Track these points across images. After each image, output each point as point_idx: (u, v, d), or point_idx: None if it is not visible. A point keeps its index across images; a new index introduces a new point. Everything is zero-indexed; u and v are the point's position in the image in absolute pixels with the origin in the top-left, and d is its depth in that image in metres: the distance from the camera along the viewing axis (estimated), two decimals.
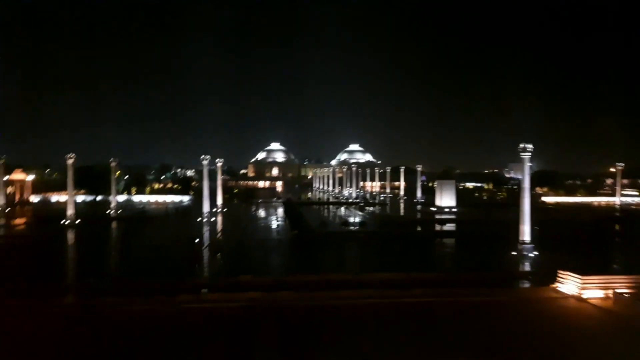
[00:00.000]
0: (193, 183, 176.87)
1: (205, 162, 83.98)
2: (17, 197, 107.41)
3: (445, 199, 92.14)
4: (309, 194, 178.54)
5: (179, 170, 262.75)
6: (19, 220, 78.81)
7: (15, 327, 23.05)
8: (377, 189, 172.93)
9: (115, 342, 21.07)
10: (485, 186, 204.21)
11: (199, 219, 74.91)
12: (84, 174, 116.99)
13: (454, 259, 50.49)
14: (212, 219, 78.64)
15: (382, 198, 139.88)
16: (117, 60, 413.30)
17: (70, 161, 71.53)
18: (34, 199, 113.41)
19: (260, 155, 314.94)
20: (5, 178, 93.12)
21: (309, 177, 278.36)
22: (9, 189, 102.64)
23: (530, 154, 44.41)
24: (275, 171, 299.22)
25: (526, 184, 45.87)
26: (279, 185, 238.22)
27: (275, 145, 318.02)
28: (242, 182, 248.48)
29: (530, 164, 47.70)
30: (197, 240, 53.54)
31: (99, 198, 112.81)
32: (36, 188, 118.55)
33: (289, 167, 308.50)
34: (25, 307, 26.09)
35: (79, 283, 36.19)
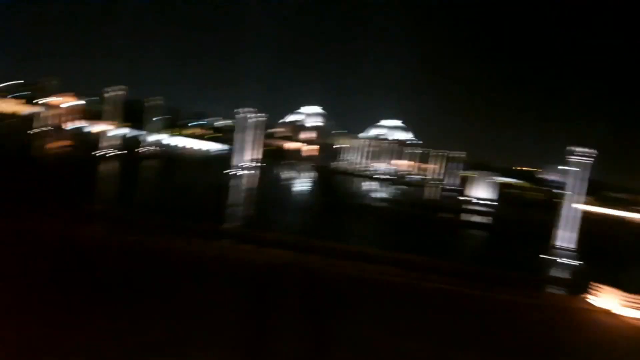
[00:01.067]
0: (224, 134, 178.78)
1: (244, 115, 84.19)
2: (56, 121, 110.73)
3: (480, 191, 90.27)
4: (340, 163, 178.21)
5: (215, 118, 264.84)
6: (62, 144, 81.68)
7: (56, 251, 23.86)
8: (411, 169, 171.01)
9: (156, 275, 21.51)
10: (517, 183, 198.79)
11: (232, 171, 75.92)
12: (128, 108, 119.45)
13: (481, 252, 49.77)
14: (246, 173, 79.54)
15: (415, 179, 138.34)
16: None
17: (114, 93, 72.98)
18: (79, 125, 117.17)
19: (297, 117, 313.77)
20: (54, 100, 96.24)
21: (343, 146, 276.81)
22: (48, 112, 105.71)
23: (588, 159, 42.50)
24: (309, 134, 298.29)
25: (575, 189, 44.18)
26: (312, 149, 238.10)
27: (312, 109, 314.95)
28: (274, 141, 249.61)
29: (580, 169, 45.75)
30: (228, 191, 54.45)
31: (137, 133, 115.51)
32: (83, 115, 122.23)
33: (324, 132, 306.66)
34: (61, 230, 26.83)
35: (113, 212, 37.37)
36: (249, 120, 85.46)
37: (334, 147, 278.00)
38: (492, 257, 45.57)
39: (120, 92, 73.38)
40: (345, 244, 36.31)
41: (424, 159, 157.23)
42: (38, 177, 45.92)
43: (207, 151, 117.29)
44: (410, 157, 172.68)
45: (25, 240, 21.19)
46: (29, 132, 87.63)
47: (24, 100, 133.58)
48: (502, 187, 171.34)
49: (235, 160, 78.87)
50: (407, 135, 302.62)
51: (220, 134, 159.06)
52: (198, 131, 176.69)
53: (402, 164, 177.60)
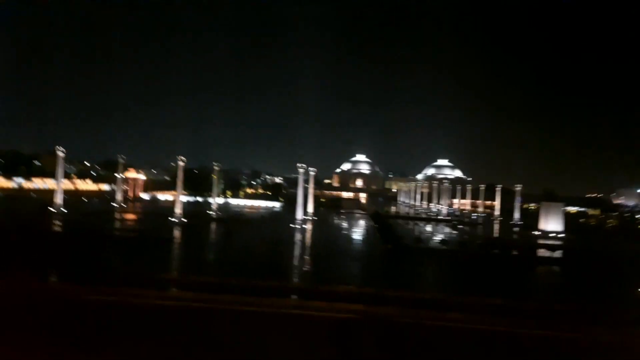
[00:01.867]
0: (279, 191, 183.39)
1: (301, 170, 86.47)
2: (130, 194, 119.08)
3: (551, 223, 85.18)
4: (394, 208, 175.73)
5: (267, 176, 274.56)
6: (133, 215, 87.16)
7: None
8: (468, 207, 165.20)
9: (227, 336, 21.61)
10: (590, 211, 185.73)
11: (292, 225, 77.08)
12: (187, 175, 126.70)
13: (564, 290, 46.09)
14: (304, 226, 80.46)
15: (474, 217, 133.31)
16: (221, 71, 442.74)
17: (181, 163, 77.81)
18: (145, 196, 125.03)
19: (345, 166, 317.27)
20: (122, 176, 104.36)
21: (394, 190, 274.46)
22: (124, 187, 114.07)
23: None
24: (359, 182, 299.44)
25: None
26: (362, 197, 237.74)
27: (360, 157, 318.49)
28: (326, 192, 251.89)
29: None
30: (293, 246, 54.94)
31: (199, 199, 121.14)
32: (145, 186, 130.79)
33: (373, 179, 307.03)
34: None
35: (193, 278, 38.59)
36: (302, 176, 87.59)
37: (387, 191, 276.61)
38: (576, 294, 42.09)
39: (182, 162, 78.15)
40: (419, 291, 35.07)
41: (482, 195, 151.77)
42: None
43: (266, 208, 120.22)
44: (468, 195, 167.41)
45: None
46: (110, 205, 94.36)
47: (101, 178, 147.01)
48: (575, 216, 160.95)
49: (293, 215, 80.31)
50: (459, 173, 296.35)
51: (276, 191, 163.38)
52: (255, 190, 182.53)
53: (461, 203, 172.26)
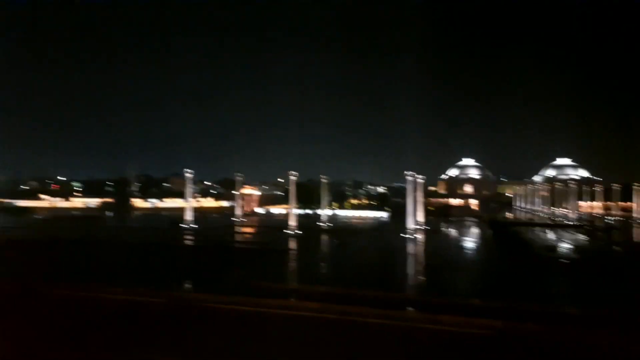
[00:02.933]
0: (384, 200, 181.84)
1: (409, 178, 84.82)
2: (247, 209, 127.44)
3: None
4: (511, 214, 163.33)
5: (369, 186, 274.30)
6: (252, 229, 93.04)
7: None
8: (600, 210, 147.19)
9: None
10: None
11: (403, 235, 75.66)
12: (297, 189, 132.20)
13: None
14: (416, 236, 78.44)
15: (609, 221, 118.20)
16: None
17: (292, 177, 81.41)
18: (259, 210, 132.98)
19: (452, 172, 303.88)
20: (239, 193, 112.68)
21: (507, 194, 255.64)
22: (241, 202, 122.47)
23: None
24: (468, 188, 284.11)
25: None
26: (473, 204, 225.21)
27: (468, 161, 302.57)
28: (432, 199, 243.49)
29: None
30: (409, 256, 53.71)
31: (308, 211, 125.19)
32: (260, 201, 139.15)
33: (483, 184, 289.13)
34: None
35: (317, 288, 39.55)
36: (410, 184, 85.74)
37: (501, 196, 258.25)
38: None
39: (294, 177, 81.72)
40: (559, 305, 31.59)
41: (617, 196, 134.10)
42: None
43: (374, 218, 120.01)
44: (599, 197, 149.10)
45: None
46: (231, 220, 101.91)
47: (220, 195, 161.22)
48: None
49: (402, 224, 78.84)
50: (584, 173, 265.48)
51: (382, 201, 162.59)
52: (360, 200, 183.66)
53: (591, 206, 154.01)
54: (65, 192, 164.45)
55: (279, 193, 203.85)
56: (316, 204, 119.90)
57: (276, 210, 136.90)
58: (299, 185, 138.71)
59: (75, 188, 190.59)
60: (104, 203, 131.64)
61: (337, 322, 23.41)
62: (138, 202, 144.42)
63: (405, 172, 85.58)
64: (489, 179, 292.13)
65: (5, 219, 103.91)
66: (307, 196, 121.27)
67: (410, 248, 64.89)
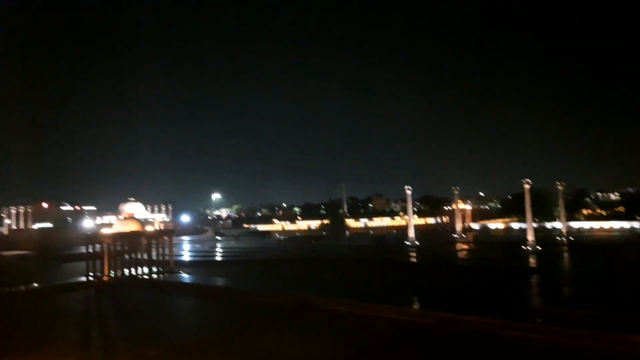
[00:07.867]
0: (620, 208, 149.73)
1: None
2: (463, 224, 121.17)
3: None
4: None
5: (598, 193, 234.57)
6: (478, 245, 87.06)
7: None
8: None
9: None
10: None
11: None
12: (514, 200, 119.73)
13: None
14: None
15: None
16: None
17: (526, 186, 73.38)
18: (474, 226, 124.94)
19: None
20: (453, 208, 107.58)
21: None
22: (456, 218, 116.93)
23: None
24: None
25: None
26: None
27: None
28: None
29: None
30: None
31: (534, 224, 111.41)
32: (473, 216, 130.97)
33: None
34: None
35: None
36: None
37: None
38: None
39: (527, 185, 73.75)
40: None
41: None
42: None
43: (622, 230, 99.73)
44: None
45: None
46: (452, 236, 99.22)
47: (423, 212, 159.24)
48: None
49: None
50: None
51: (632, 209, 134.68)
52: (593, 210, 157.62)
53: None
54: (290, 216, 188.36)
55: (484, 207, 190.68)
56: (544, 216, 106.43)
57: (492, 225, 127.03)
58: (514, 196, 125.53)
59: (296, 212, 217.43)
60: (322, 224, 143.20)
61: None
62: (350, 222, 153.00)
63: None
64: None
65: (257, 240, 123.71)
66: (536, 207, 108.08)
67: None
